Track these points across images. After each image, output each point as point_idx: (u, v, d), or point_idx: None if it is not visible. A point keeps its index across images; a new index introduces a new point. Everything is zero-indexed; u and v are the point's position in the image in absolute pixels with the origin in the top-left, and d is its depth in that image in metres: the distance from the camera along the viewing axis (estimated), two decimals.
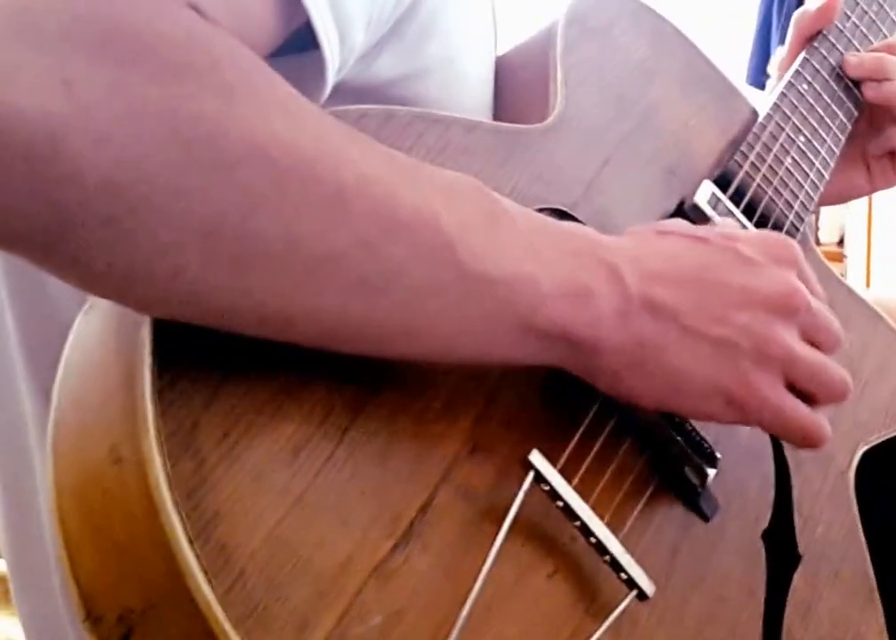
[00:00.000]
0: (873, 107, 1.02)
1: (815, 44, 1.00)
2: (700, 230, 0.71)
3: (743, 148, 0.90)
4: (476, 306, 0.59)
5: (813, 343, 0.69)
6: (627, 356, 0.64)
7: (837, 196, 1.09)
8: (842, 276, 1.01)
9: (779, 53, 1.12)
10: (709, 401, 0.66)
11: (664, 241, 0.68)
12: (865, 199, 2.96)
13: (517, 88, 0.87)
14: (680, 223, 0.72)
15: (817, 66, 0.99)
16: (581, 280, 0.62)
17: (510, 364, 0.64)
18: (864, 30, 1.03)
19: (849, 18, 1.03)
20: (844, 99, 0.99)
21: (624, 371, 0.64)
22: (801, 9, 1.03)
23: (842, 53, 1.01)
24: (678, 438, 0.73)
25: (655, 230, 0.70)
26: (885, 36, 1.05)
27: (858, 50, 1.02)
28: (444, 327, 0.59)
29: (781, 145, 0.92)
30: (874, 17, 1.04)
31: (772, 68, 1.10)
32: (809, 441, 0.69)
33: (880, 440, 0.91)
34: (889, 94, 1.01)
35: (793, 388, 0.68)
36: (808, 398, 0.69)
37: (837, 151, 0.98)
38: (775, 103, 0.95)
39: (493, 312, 0.60)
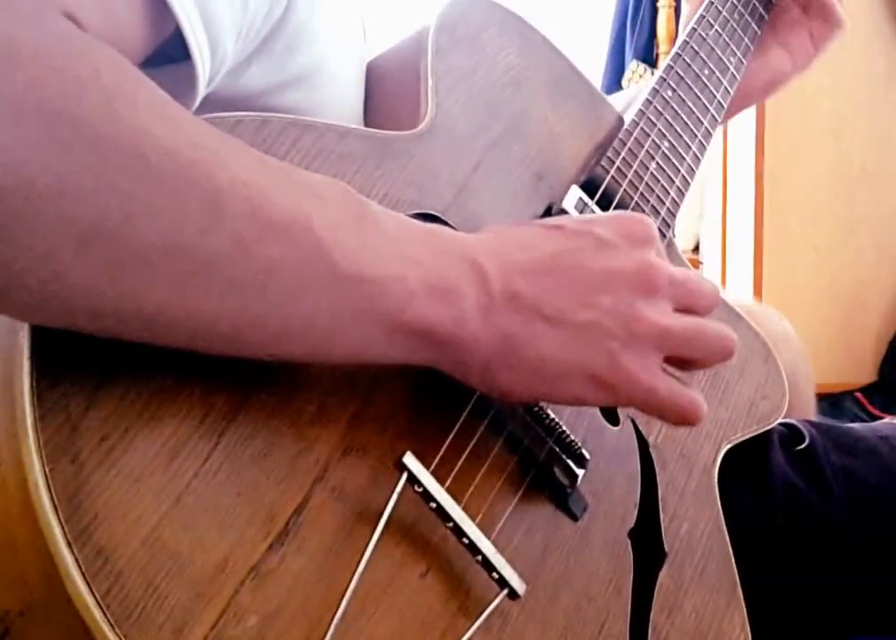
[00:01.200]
0: None
1: (678, 50, 1.04)
2: (556, 219, 0.74)
3: (609, 153, 0.93)
4: (348, 305, 0.62)
5: (689, 310, 0.72)
6: (493, 350, 0.66)
7: (766, 87, 1.14)
8: None
9: (633, 67, 1.17)
10: (580, 387, 0.68)
11: (522, 232, 0.71)
12: (718, 208, 3.04)
13: (388, 94, 0.89)
14: (539, 220, 0.75)
15: (681, 72, 1.03)
16: (446, 278, 0.65)
17: (384, 363, 0.66)
18: (726, 39, 1.08)
19: (711, 26, 1.07)
20: (708, 106, 1.03)
21: (492, 364, 0.67)
22: None
23: (704, 61, 1.05)
24: (547, 439, 0.76)
25: (515, 222, 0.73)
26: (748, 46, 1.10)
27: (721, 58, 1.07)
28: (318, 327, 0.62)
29: (647, 150, 0.96)
30: (735, 26, 1.09)
31: (627, 80, 1.14)
32: (685, 418, 0.71)
33: (743, 439, 0.95)
34: None
35: (677, 362, 0.71)
36: (692, 364, 0.72)
37: (702, 157, 1.02)
38: (640, 109, 0.98)
39: (364, 311, 0.62)
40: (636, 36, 3.11)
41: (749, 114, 2.81)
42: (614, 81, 3.14)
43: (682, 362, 0.71)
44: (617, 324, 0.68)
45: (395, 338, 0.64)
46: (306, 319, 0.61)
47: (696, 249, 3.51)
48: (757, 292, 2.94)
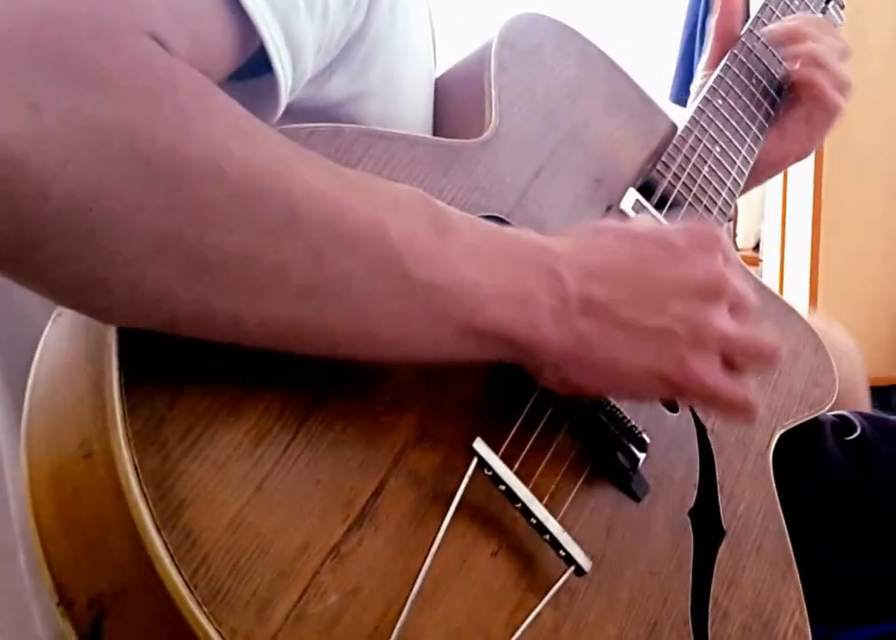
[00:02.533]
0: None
1: (727, 62, 1.01)
2: (632, 226, 0.71)
3: (664, 158, 0.91)
4: (421, 311, 0.59)
5: (737, 317, 0.70)
6: (567, 352, 0.64)
7: (769, 168, 1.07)
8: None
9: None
10: (649, 385, 0.66)
11: (600, 239, 0.68)
12: (778, 211, 2.98)
13: (455, 106, 0.87)
14: (613, 221, 0.73)
15: (730, 82, 1.00)
16: (522, 284, 0.62)
17: (454, 362, 0.63)
18: (773, 50, 1.04)
19: (758, 38, 1.04)
20: (757, 113, 1.00)
21: (565, 365, 0.64)
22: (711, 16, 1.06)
23: (751, 71, 1.02)
24: (610, 425, 0.73)
25: (592, 229, 0.69)
26: (780, 63, 1.07)
27: (767, 69, 1.03)
28: (391, 331, 0.59)
29: (699, 155, 0.93)
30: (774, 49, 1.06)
31: (694, 86, 1.11)
32: (743, 416, 0.70)
33: (795, 424, 0.92)
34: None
35: (729, 363, 0.69)
36: (745, 367, 0.70)
37: (752, 161, 0.99)
38: (693, 117, 0.96)
39: (437, 316, 0.60)
40: (706, 44, 3.07)
41: None
42: (683, 88, 3.10)
43: (734, 364, 0.69)
44: (686, 330, 0.66)
45: (467, 340, 0.61)
46: (379, 325, 0.59)
47: (756, 247, 3.46)
48: (813, 289, 2.88)
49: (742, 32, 1.04)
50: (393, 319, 0.59)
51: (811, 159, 2.78)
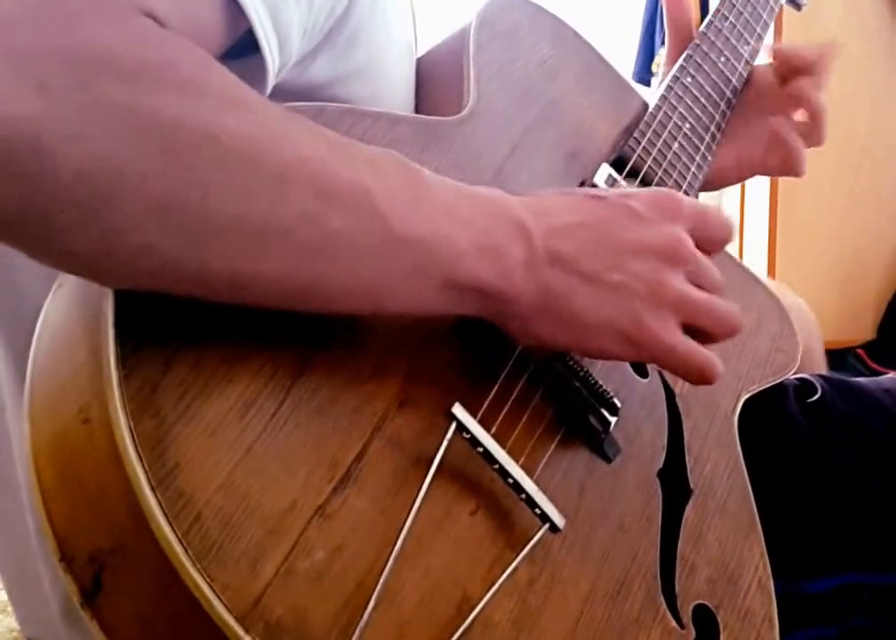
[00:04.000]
0: (768, 92, 1.02)
1: (697, 41, 1.02)
2: (598, 191, 0.72)
3: (636, 134, 0.92)
4: (404, 265, 0.61)
5: (700, 286, 0.71)
6: (534, 303, 0.65)
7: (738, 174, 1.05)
8: None
9: (662, 53, 1.15)
10: (609, 340, 0.67)
11: (566, 199, 0.70)
12: (737, 191, 2.98)
13: (435, 85, 0.88)
14: (586, 189, 0.74)
15: (699, 61, 1.00)
16: (494, 237, 0.64)
17: (436, 314, 0.65)
18: (740, 29, 1.05)
19: (727, 18, 1.05)
20: (725, 90, 1.01)
21: (532, 315, 0.66)
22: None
23: (721, 50, 1.03)
24: (582, 390, 0.74)
25: (560, 192, 0.71)
26: (760, 35, 1.07)
27: (735, 47, 1.04)
28: (377, 286, 0.61)
29: (669, 131, 0.94)
30: (748, 17, 1.06)
31: (656, 66, 1.12)
32: (701, 375, 0.70)
33: (761, 389, 0.93)
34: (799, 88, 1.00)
35: (690, 330, 0.70)
36: (704, 335, 0.70)
37: (719, 136, 0.99)
38: (663, 95, 0.96)
39: (418, 270, 0.61)
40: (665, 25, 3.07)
41: None
42: (645, 67, 3.10)
43: (694, 332, 0.70)
44: (644, 288, 0.67)
45: (446, 293, 0.63)
46: (366, 278, 0.60)
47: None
48: (771, 261, 2.90)
49: (704, 25, 1.04)
50: (380, 274, 0.60)
51: None
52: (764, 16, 1.08)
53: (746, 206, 3.01)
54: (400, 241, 0.60)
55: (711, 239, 0.73)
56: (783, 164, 1.01)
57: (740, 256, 2.99)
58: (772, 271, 2.90)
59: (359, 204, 0.59)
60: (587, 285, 0.66)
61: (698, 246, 0.71)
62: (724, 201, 3.07)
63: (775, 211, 2.91)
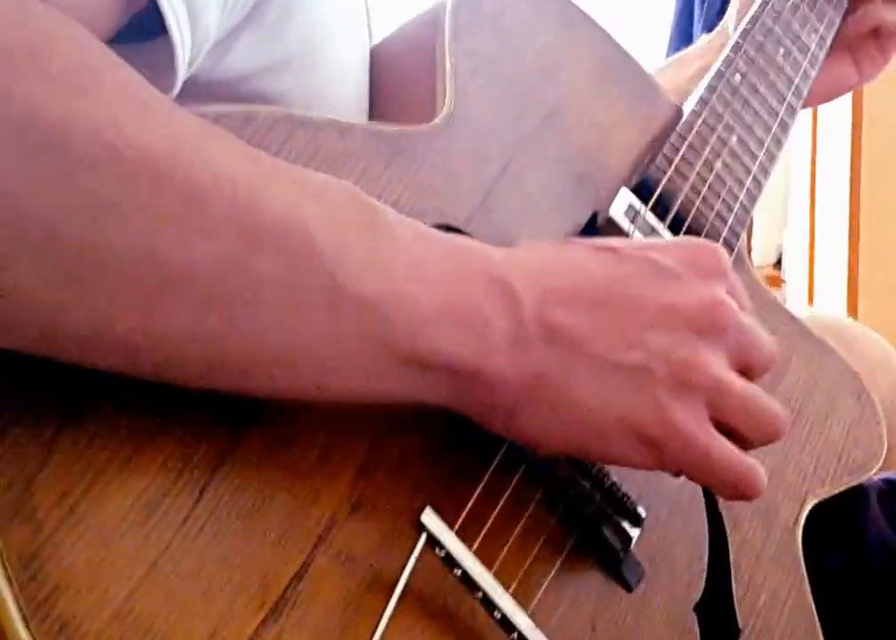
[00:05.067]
0: None
1: (747, 26, 1.06)
2: (609, 240, 0.74)
3: (666, 150, 0.95)
4: (351, 329, 0.63)
5: (743, 367, 0.72)
6: (523, 391, 0.67)
7: (826, 94, 1.18)
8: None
9: (704, 39, 1.19)
10: (623, 442, 0.69)
11: (566, 252, 0.72)
12: (805, 215, 3.02)
13: (398, 82, 0.91)
14: (590, 239, 0.76)
15: (751, 53, 1.05)
16: (470, 301, 0.66)
17: (393, 401, 0.67)
18: (806, 11, 1.09)
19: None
20: (784, 93, 1.05)
21: (521, 408, 0.68)
22: None
23: (779, 39, 1.06)
24: (595, 494, 0.77)
25: (560, 241, 0.74)
26: (832, 21, 1.12)
27: (799, 35, 1.08)
28: (314, 355, 0.63)
29: (711, 147, 0.97)
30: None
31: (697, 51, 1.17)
32: (741, 490, 0.72)
33: (833, 493, 0.95)
34: None
35: (719, 426, 0.71)
36: (737, 437, 0.72)
37: (778, 154, 1.03)
38: (702, 98, 1.00)
39: (370, 337, 0.63)
40: (707, 6, 3.11)
41: (845, 99, 2.80)
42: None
43: (724, 431, 0.72)
44: (669, 370, 0.69)
45: (405, 371, 0.65)
46: (299, 346, 0.62)
47: (777, 263, 3.50)
48: (852, 309, 2.91)
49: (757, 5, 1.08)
50: (315, 340, 0.62)
51: (845, 149, 2.83)
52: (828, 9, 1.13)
53: (817, 241, 3.05)
54: (347, 299, 0.62)
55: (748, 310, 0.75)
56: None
57: (810, 290, 3.01)
58: (852, 308, 2.91)
59: (296, 248, 0.61)
60: (593, 369, 0.68)
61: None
62: (790, 210, 3.11)
63: (856, 245, 2.94)
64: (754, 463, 0.72)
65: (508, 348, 0.67)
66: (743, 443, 0.72)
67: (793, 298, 3.13)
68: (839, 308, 2.92)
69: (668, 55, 3.25)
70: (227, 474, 0.63)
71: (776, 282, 3.28)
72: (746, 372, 0.73)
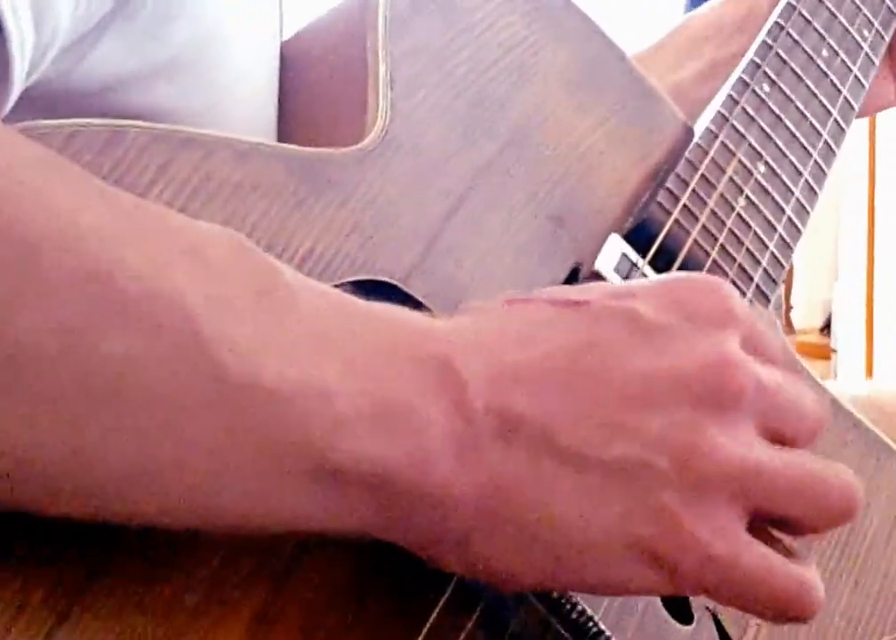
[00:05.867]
0: None
1: (780, 19, 1.06)
2: (573, 290, 0.74)
3: (671, 183, 0.95)
4: (238, 432, 0.61)
5: (781, 437, 0.71)
6: (477, 509, 0.66)
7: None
8: (827, 379, 1.05)
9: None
10: (619, 566, 0.68)
11: (521, 314, 0.71)
12: (862, 267, 3.04)
13: (315, 91, 0.91)
14: (552, 289, 0.76)
15: (784, 54, 1.05)
16: (399, 391, 0.65)
17: (298, 528, 0.66)
18: (858, 3, 1.10)
19: None
20: (830, 107, 1.05)
21: (476, 533, 0.66)
22: None
23: (821, 37, 1.07)
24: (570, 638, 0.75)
25: (507, 300, 0.72)
26: (892, 11, 1.13)
27: (847, 30, 1.08)
28: (190, 467, 0.61)
29: (730, 179, 0.97)
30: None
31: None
32: (791, 609, 0.70)
33: None
34: None
35: (765, 522, 0.70)
36: (790, 527, 0.71)
37: (820, 189, 1.03)
38: (720, 113, 1.00)
39: (265, 441, 0.62)
40: None
41: None
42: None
43: (772, 522, 0.71)
44: (674, 461, 0.68)
45: (313, 488, 0.63)
46: (169, 454, 0.61)
47: (825, 328, 3.53)
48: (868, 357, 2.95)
49: None
50: (191, 446, 0.61)
51: None
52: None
53: (876, 274, 3.07)
54: (232, 387, 0.61)
55: (774, 359, 0.73)
56: None
57: (868, 359, 3.04)
58: (868, 370, 2.94)
59: (163, 325, 0.60)
60: (570, 471, 0.67)
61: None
62: (841, 259, 3.14)
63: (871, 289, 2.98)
64: (802, 572, 0.70)
65: (453, 452, 0.65)
66: (802, 531, 0.71)
67: (846, 370, 3.15)
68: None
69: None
70: (75, 625, 0.61)
71: (824, 352, 3.31)
72: (781, 441, 0.71)
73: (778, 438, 0.71)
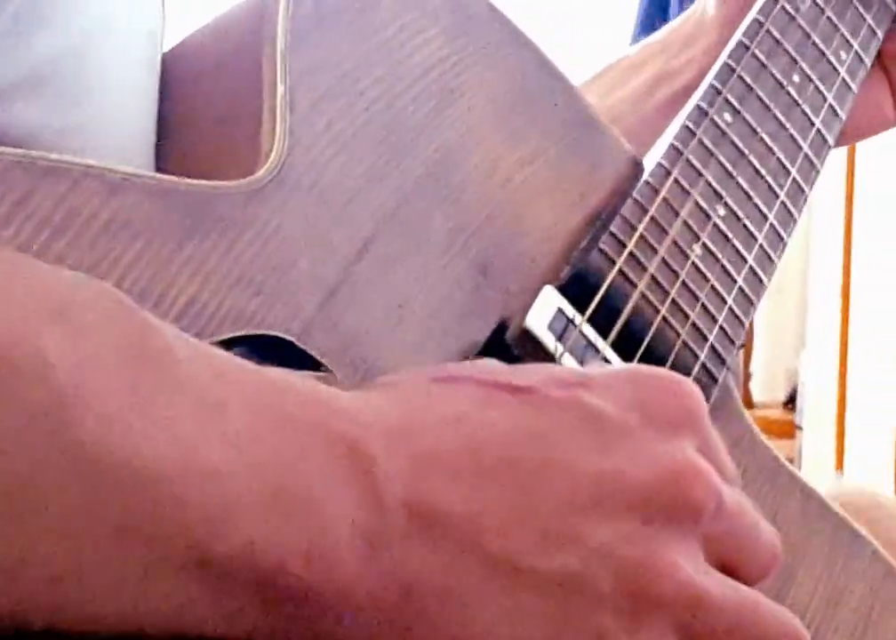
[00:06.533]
0: None
1: (744, 38, 1.08)
2: (515, 372, 0.74)
3: (615, 228, 0.96)
4: (109, 519, 0.62)
5: (730, 569, 0.72)
6: (386, 617, 0.66)
7: (857, 129, 1.21)
8: (791, 461, 1.06)
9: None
10: None
11: (447, 394, 0.72)
12: (834, 329, 3.06)
13: (203, 108, 0.92)
14: (486, 363, 0.77)
15: (748, 79, 1.07)
16: (300, 474, 0.65)
17: (174, 633, 0.65)
18: (832, 17, 1.12)
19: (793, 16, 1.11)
20: (800, 141, 1.07)
21: None
22: None
23: (793, 57, 1.08)
24: None
25: (432, 376, 0.73)
26: (873, 30, 1.15)
27: (823, 52, 1.10)
28: (56, 561, 0.62)
29: (684, 223, 0.99)
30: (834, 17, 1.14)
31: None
32: None
33: None
34: None
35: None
36: None
37: (787, 234, 1.05)
38: (673, 146, 1.02)
39: (135, 528, 0.62)
40: None
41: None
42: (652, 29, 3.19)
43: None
44: (618, 580, 0.68)
45: (196, 586, 0.64)
46: (30, 545, 0.61)
47: (790, 402, 3.54)
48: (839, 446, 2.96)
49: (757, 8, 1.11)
50: (54, 536, 0.61)
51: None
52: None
53: (851, 340, 3.09)
54: (102, 468, 0.61)
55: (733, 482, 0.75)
56: None
57: (839, 446, 3.05)
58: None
59: (20, 386, 0.61)
60: (496, 579, 0.67)
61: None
62: (810, 321, 3.15)
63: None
64: None
65: (361, 551, 0.66)
66: None
67: (812, 456, 3.16)
68: (884, 475, 2.96)
69: (638, 18, 3.33)
70: None
71: (787, 430, 3.31)
72: (734, 575, 0.73)
73: (727, 568, 0.73)
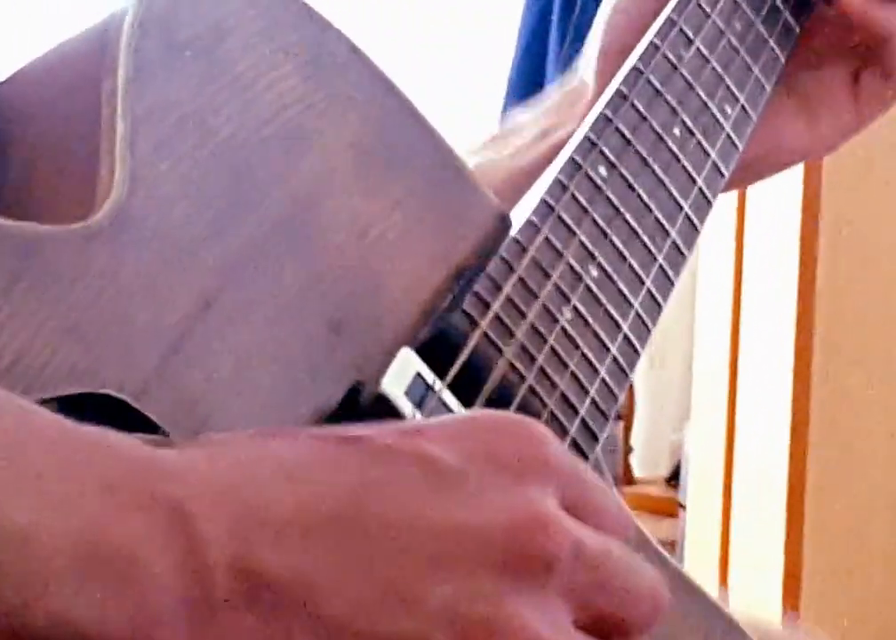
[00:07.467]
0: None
1: (623, 87, 1.08)
2: (353, 427, 0.74)
3: (480, 287, 0.96)
4: None
5: (602, 622, 0.72)
6: None
7: (754, 163, 1.21)
8: (673, 544, 1.06)
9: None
10: None
11: (275, 450, 0.72)
12: (722, 398, 3.09)
13: (36, 146, 0.91)
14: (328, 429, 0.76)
15: (626, 131, 1.07)
16: (119, 537, 0.65)
17: None
18: (718, 67, 1.12)
19: (690, 41, 1.11)
20: (680, 199, 1.07)
21: None
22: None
23: (674, 109, 1.08)
24: None
25: (264, 432, 0.73)
26: (761, 83, 1.15)
27: (707, 104, 1.11)
28: None
29: (554, 285, 0.99)
30: (737, 43, 1.13)
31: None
32: None
33: None
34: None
35: None
36: None
37: (665, 300, 1.04)
38: (544, 201, 1.01)
39: None
40: (571, 32, 3.19)
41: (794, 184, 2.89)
42: (526, 95, 3.21)
43: None
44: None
45: None
46: None
47: (672, 478, 3.56)
48: (791, 568, 2.98)
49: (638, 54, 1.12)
50: None
51: (790, 297, 2.92)
52: (772, 41, 1.16)
53: (737, 442, 3.11)
54: None
55: (603, 524, 0.74)
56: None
57: (723, 549, 3.07)
58: (792, 595, 2.97)
59: None
60: None
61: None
62: (696, 392, 3.18)
63: (803, 433, 3.02)
64: None
65: (182, 619, 0.66)
66: None
67: (696, 532, 3.18)
68: (772, 559, 2.99)
69: (505, 109, 3.35)
70: None
71: (669, 508, 3.33)
72: (614, 629, 0.73)
73: (601, 623, 0.72)
